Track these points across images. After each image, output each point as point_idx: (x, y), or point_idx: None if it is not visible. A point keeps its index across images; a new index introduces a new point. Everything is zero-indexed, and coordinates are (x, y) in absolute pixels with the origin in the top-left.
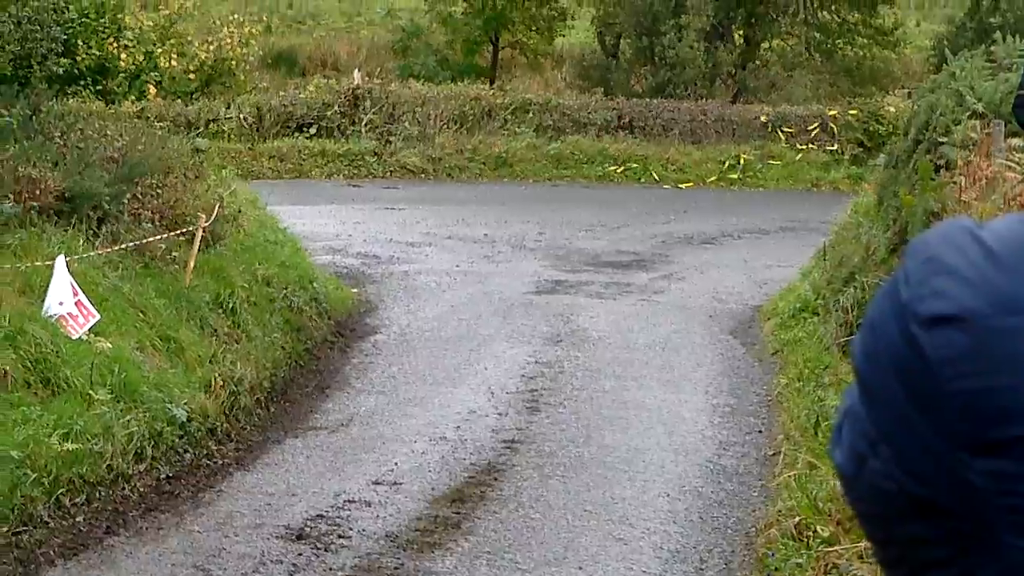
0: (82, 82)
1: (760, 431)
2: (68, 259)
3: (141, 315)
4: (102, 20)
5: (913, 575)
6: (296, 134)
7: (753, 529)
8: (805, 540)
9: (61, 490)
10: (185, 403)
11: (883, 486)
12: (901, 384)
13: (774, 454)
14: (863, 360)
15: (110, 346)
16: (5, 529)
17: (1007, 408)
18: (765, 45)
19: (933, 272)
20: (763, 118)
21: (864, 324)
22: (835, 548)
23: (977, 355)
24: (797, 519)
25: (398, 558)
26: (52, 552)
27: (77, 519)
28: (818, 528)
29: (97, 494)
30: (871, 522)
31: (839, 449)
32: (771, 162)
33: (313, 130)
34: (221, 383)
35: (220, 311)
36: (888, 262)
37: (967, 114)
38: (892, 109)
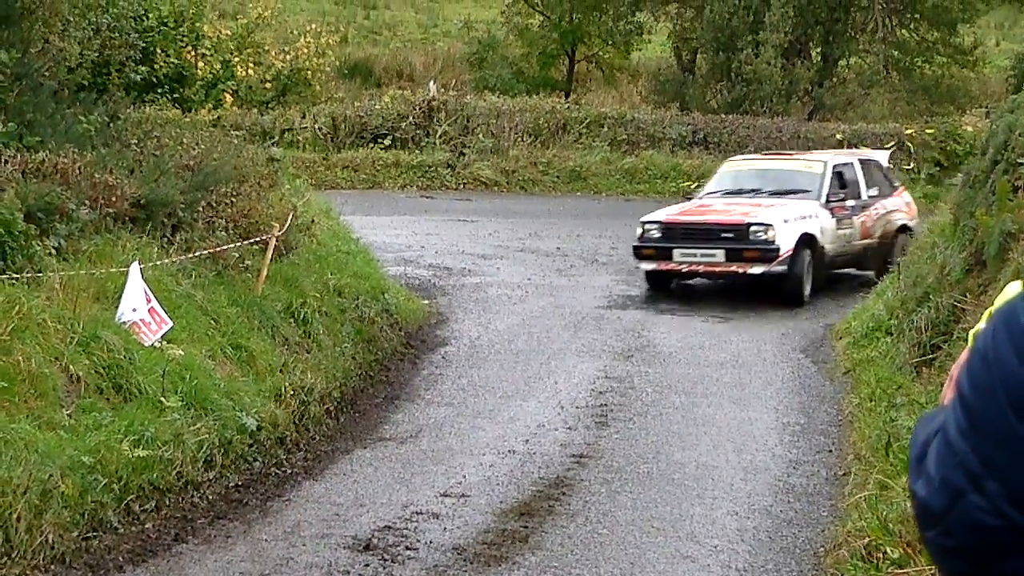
0: (159, 90)
1: (831, 450)
2: (142, 266)
3: (213, 323)
4: (180, 29)
5: None
6: (370, 145)
7: (822, 549)
8: (875, 562)
9: (131, 496)
10: (255, 412)
11: (986, 521)
12: (1018, 415)
13: (844, 474)
14: (972, 393)
15: (182, 353)
16: (75, 534)
17: None
18: (843, 62)
19: None
20: (839, 136)
21: (973, 355)
22: (905, 570)
23: None
24: (867, 540)
25: (465, 571)
26: (121, 558)
27: (146, 525)
28: (888, 550)
29: (166, 501)
30: (961, 557)
31: (922, 481)
32: None
33: (387, 141)
34: (291, 392)
35: (292, 320)
36: (963, 283)
37: None
38: (970, 128)
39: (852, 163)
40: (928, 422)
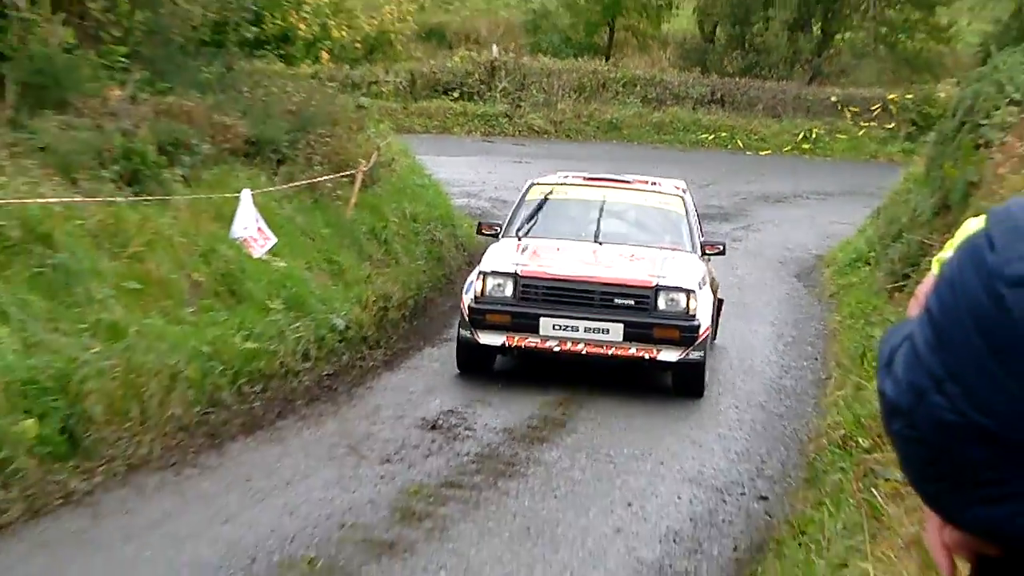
0: (267, 47)
1: (816, 358)
2: (252, 192)
3: (310, 241)
4: None
5: (955, 487)
6: (442, 96)
7: (806, 438)
8: (848, 449)
9: (242, 380)
10: (344, 314)
11: (945, 417)
12: (980, 335)
13: (827, 378)
14: (940, 312)
15: (284, 265)
16: (197, 409)
17: None
18: (838, 36)
19: (1019, 239)
20: (833, 98)
21: (943, 281)
22: (874, 456)
23: None
24: (843, 432)
25: (513, 448)
26: (234, 430)
27: (254, 405)
28: (860, 440)
29: (271, 385)
30: (922, 445)
31: (890, 382)
32: (838, 136)
33: (456, 94)
34: (373, 299)
35: (374, 240)
36: (931, 223)
37: (1006, 101)
38: (943, 95)
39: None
40: (894, 333)
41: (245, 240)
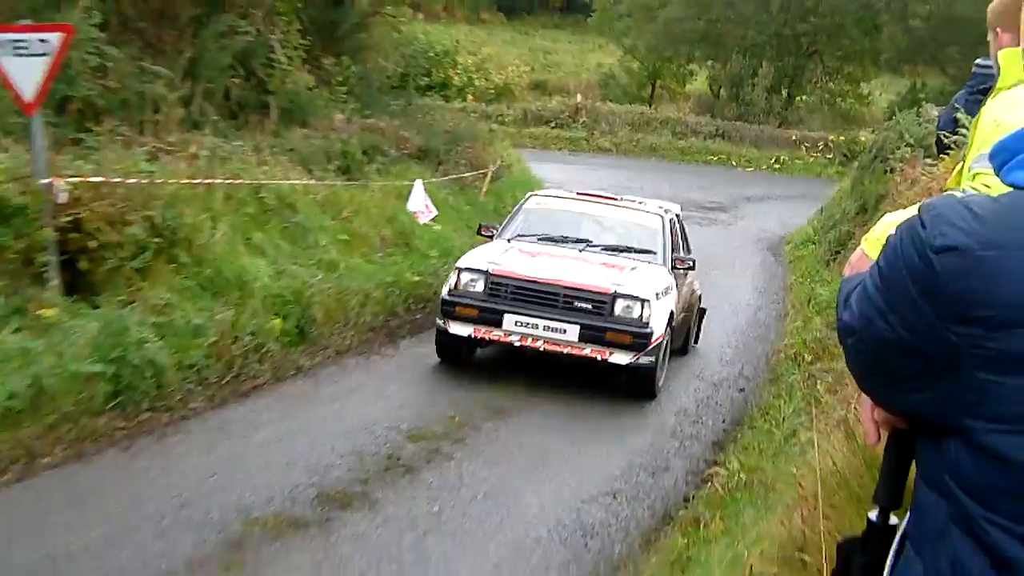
0: (433, 90)
1: (779, 303)
2: (422, 181)
3: (457, 214)
4: (447, 58)
5: (888, 382)
6: (543, 125)
7: (770, 353)
8: (798, 362)
9: (411, 300)
10: None
11: (887, 337)
12: (914, 283)
13: (785, 315)
14: (887, 268)
15: (440, 229)
16: (381, 318)
17: (978, 300)
18: (798, 98)
19: (942, 222)
20: (794, 137)
21: (889, 247)
22: (815, 365)
23: (966, 270)
24: (795, 350)
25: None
26: (405, 331)
27: (417, 316)
28: (806, 355)
29: (428, 304)
30: (868, 355)
31: (847, 312)
32: (797, 161)
33: (552, 124)
34: None
35: (497, 215)
36: (854, 219)
37: (904, 144)
38: (863, 138)
39: (677, 214)
40: (849, 281)
41: (416, 212)
